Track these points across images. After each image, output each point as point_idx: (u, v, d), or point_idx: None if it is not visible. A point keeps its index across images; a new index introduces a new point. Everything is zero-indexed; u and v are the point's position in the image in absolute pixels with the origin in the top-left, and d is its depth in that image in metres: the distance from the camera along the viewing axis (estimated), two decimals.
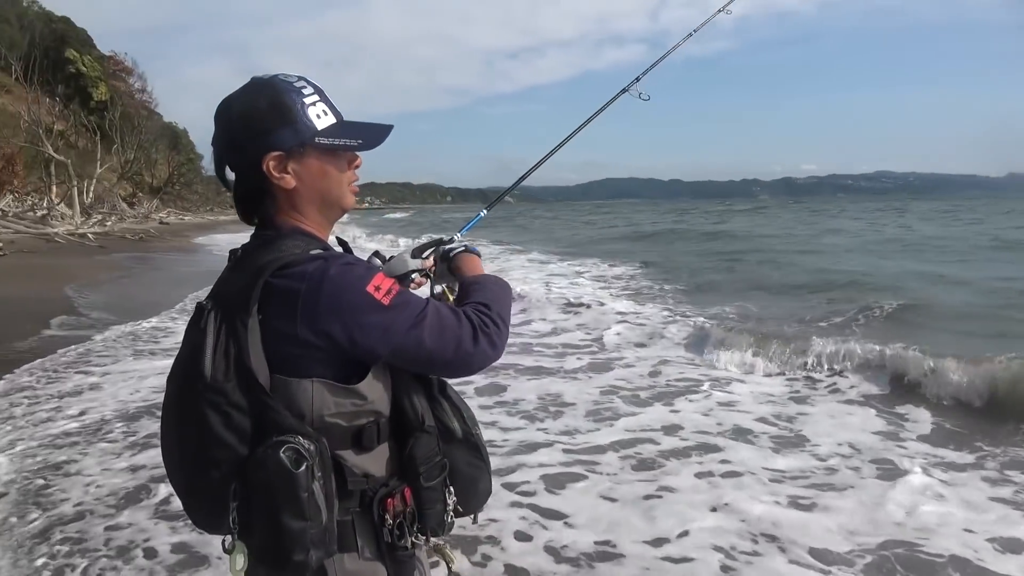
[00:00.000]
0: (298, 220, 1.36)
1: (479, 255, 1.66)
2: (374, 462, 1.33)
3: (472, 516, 1.47)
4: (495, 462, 4.02)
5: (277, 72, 1.37)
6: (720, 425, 5.32)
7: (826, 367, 6.70)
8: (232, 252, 1.39)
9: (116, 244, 26.37)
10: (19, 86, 47.06)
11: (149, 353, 7.87)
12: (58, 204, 32.28)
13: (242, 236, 1.41)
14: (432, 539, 1.38)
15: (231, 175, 1.37)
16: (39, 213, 29.07)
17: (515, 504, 4.02)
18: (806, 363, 6.81)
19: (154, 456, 4.46)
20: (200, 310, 1.29)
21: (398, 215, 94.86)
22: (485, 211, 2.07)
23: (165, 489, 4.06)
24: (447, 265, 1.63)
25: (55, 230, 26.18)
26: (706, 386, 6.42)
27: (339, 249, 1.42)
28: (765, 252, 20.06)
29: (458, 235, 1.77)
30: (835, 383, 6.39)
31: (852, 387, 6.25)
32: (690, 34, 2.87)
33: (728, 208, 79.12)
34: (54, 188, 35.68)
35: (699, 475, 4.39)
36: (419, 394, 1.38)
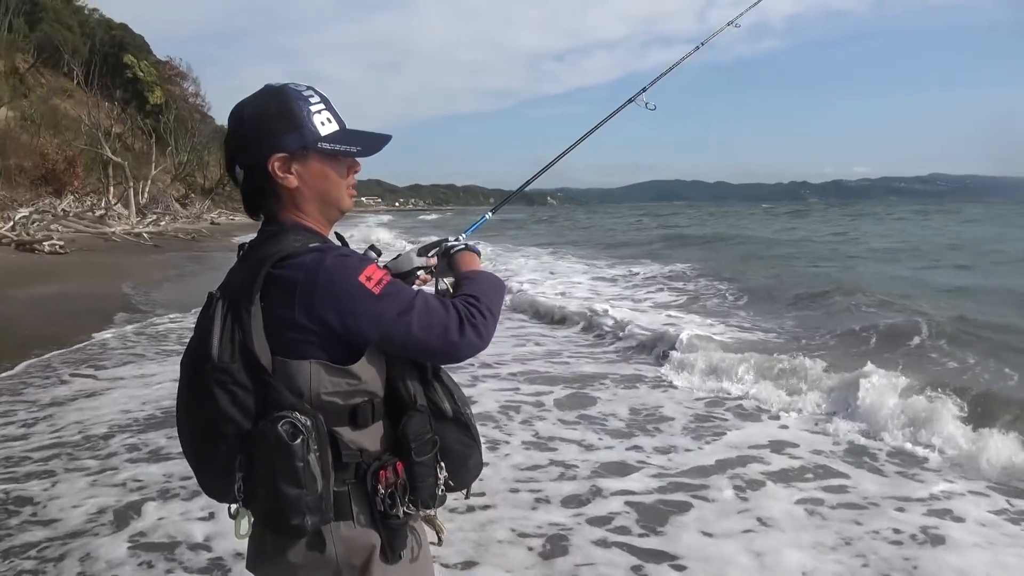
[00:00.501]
0: (300, 217, 1.47)
1: (478, 253, 1.75)
2: (369, 438, 1.43)
3: (465, 491, 1.56)
4: (571, 487, 4.15)
5: (288, 80, 1.49)
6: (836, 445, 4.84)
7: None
8: (240, 246, 1.51)
9: (169, 243, 27.21)
10: (80, 91, 48.89)
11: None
12: (115, 204, 33.42)
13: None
14: (424, 510, 1.47)
15: (240, 173, 1.48)
16: (98, 213, 30.15)
17: (602, 543, 3.49)
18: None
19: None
20: (210, 299, 1.41)
21: (432, 216, 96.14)
22: (490, 215, 2.17)
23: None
24: (447, 262, 1.73)
25: (112, 229, 27.14)
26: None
27: (337, 243, 1.51)
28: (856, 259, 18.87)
29: (463, 236, 1.86)
30: None
31: None
32: (697, 47, 2.90)
33: (796, 210, 75.44)
34: (111, 189, 37.01)
35: (808, 502, 3.92)
36: (413, 377, 1.47)
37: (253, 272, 1.37)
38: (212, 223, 43.65)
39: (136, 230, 28.32)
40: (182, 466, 4.17)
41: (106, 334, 9.06)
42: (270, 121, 1.42)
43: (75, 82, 50.86)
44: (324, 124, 1.44)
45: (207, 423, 1.37)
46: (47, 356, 7.75)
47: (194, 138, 55.03)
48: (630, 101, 2.52)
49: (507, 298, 6.48)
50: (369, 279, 1.37)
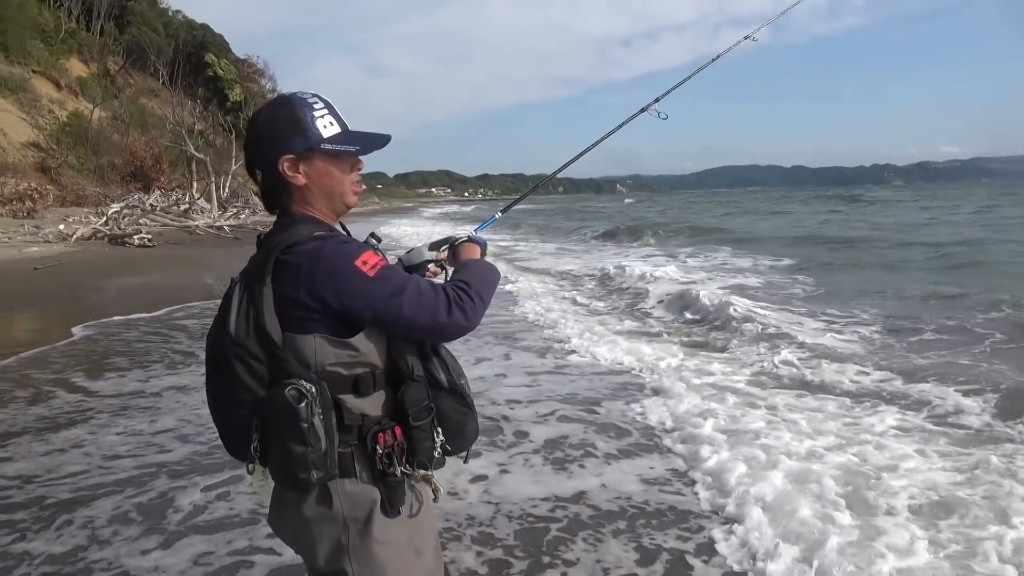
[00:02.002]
0: (308, 210, 1.64)
1: (481, 244, 1.92)
2: (371, 405, 1.60)
3: (464, 456, 1.74)
4: None
5: (296, 90, 1.68)
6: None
7: None
8: (258, 236, 1.69)
9: (249, 236, 28.10)
10: (165, 90, 51.15)
11: None
12: (198, 199, 34.85)
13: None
14: (421, 471, 1.63)
15: (259, 174, 1.66)
16: (182, 207, 31.51)
17: None
18: None
19: None
20: (232, 283, 1.61)
21: (484, 205, 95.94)
22: (500, 214, 2.37)
23: None
24: (452, 252, 1.91)
25: (196, 223, 28.32)
26: None
27: (342, 232, 1.69)
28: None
29: (473, 232, 2.01)
30: None
31: None
32: (713, 59, 3.00)
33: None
34: (195, 184, 38.58)
35: None
36: (412, 350, 1.63)
37: (265, 258, 1.56)
38: None
39: (218, 223, 29.46)
40: None
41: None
42: (279, 127, 1.60)
43: (160, 82, 53.24)
44: (326, 127, 1.61)
45: (228, 391, 1.56)
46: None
47: None
48: (642, 111, 2.67)
49: None
50: (365, 263, 1.53)
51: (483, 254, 1.90)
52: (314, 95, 1.64)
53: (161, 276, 14.39)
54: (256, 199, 47.36)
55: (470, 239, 1.91)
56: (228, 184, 42.95)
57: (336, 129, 1.62)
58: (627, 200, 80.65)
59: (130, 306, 10.56)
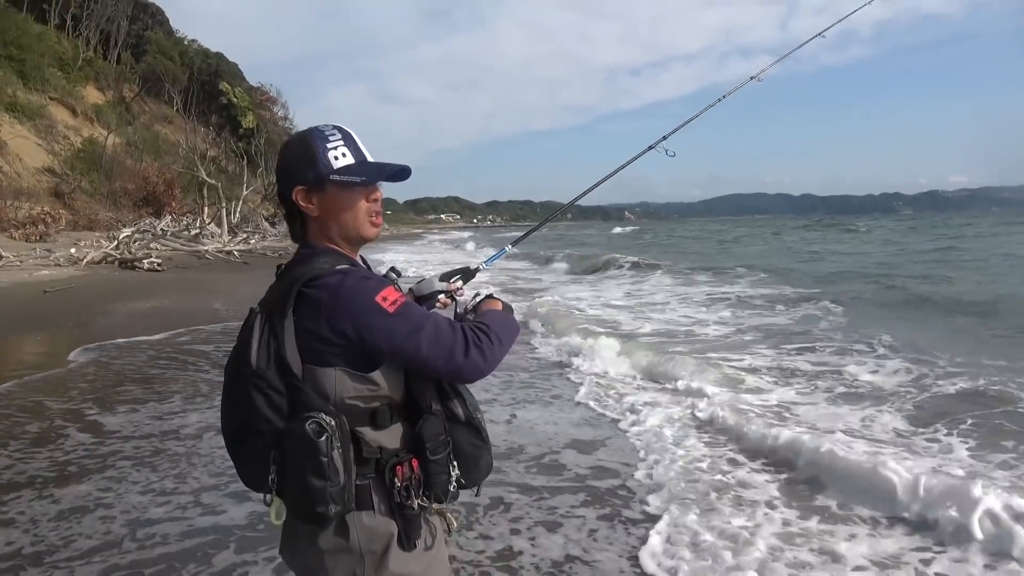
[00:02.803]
0: (327, 241, 1.67)
1: (507, 306, 1.88)
2: (388, 437, 1.60)
3: (475, 489, 1.72)
4: None
5: (320, 123, 1.68)
6: None
7: None
8: (278, 266, 1.70)
9: (258, 261, 28.28)
10: (179, 117, 51.85)
11: None
12: (209, 223, 35.09)
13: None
14: (437, 504, 1.64)
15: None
16: (193, 232, 31.72)
17: None
18: None
19: None
20: (251, 313, 1.60)
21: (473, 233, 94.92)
22: (510, 247, 2.39)
23: None
24: (476, 307, 1.87)
25: (206, 248, 28.48)
26: None
27: (362, 266, 1.71)
28: None
29: (483, 264, 2.04)
30: None
31: None
32: (719, 99, 3.04)
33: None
34: (206, 209, 38.89)
35: None
36: (430, 384, 1.64)
37: (287, 290, 1.56)
38: None
39: (227, 248, 29.61)
40: None
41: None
42: (294, 159, 1.65)
43: (175, 109, 54.02)
44: (338, 158, 1.62)
45: (246, 421, 1.56)
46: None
47: None
48: (650, 148, 2.71)
49: None
50: (385, 299, 1.54)
51: (508, 310, 1.87)
52: (335, 127, 1.66)
53: (169, 300, 14.39)
54: (266, 224, 47.85)
55: (490, 297, 1.90)
56: (239, 209, 43.30)
57: (349, 160, 1.63)
58: (616, 229, 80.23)
59: (137, 330, 10.55)
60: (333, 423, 1.49)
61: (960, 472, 4.37)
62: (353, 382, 1.55)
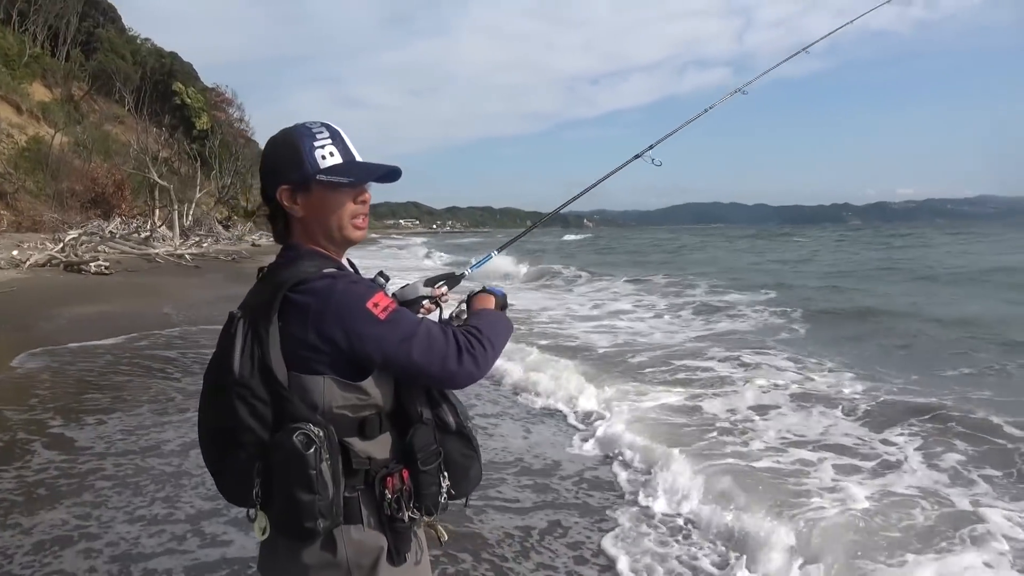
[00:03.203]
0: (311, 243, 1.60)
1: (496, 295, 1.85)
2: (377, 448, 1.54)
3: (464, 499, 1.66)
4: None
5: (308, 119, 1.63)
6: None
7: None
8: (260, 269, 1.64)
9: (210, 264, 27.81)
10: (131, 117, 50.59)
11: None
12: (160, 226, 34.34)
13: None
14: (427, 517, 1.58)
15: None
16: (143, 235, 30.99)
17: None
18: None
19: None
20: (231, 318, 1.53)
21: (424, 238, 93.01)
22: (495, 253, 2.33)
23: None
24: (468, 301, 1.84)
25: (156, 251, 27.86)
26: None
27: (349, 269, 1.64)
28: None
29: (468, 270, 1.99)
30: None
31: None
32: (706, 110, 3.07)
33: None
34: (157, 211, 38.05)
35: None
36: (420, 392, 1.59)
37: (272, 295, 1.49)
38: (253, 245, 44.57)
39: (179, 251, 29.01)
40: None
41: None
42: (279, 158, 1.58)
43: (126, 108, 52.69)
44: (325, 158, 1.55)
45: (228, 432, 1.48)
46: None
47: (238, 162, 56.38)
48: (637, 157, 2.71)
49: None
50: (376, 305, 1.49)
51: (501, 306, 1.84)
52: (323, 124, 1.59)
53: (117, 305, 14.09)
54: (220, 227, 46.98)
55: (484, 289, 1.86)
56: (191, 212, 42.46)
57: (337, 160, 1.56)
58: (567, 236, 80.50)
59: (83, 334, 10.32)
60: (321, 434, 1.42)
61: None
62: (342, 391, 1.48)
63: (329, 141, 1.57)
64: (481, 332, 1.60)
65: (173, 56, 64.42)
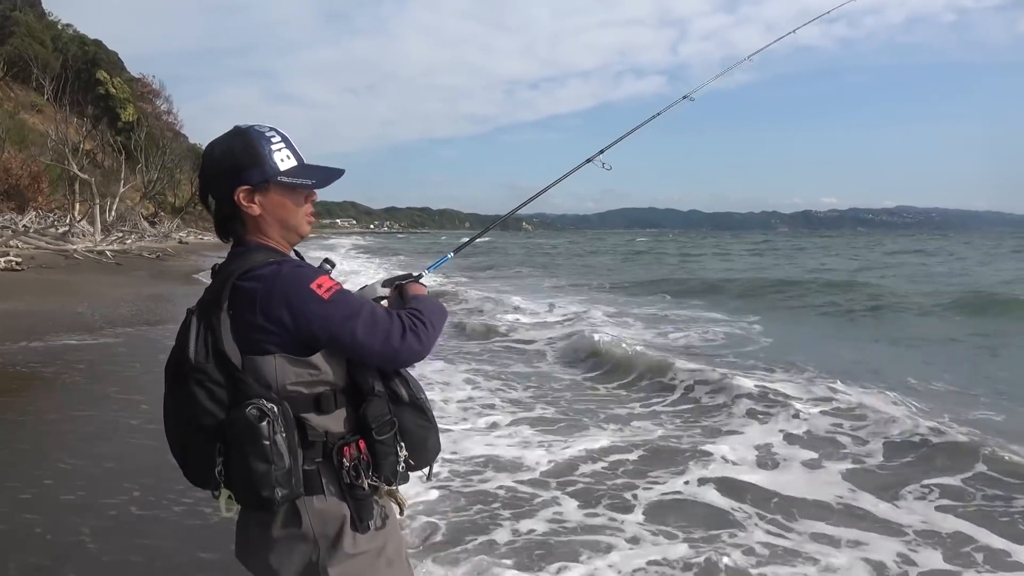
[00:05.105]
0: (263, 239, 1.69)
1: (424, 285, 1.95)
2: (333, 422, 1.62)
3: (427, 472, 1.77)
4: None
5: (254, 123, 1.71)
6: None
7: None
8: (213, 267, 1.71)
9: (134, 262, 26.74)
10: (50, 106, 48.26)
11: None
12: (80, 221, 32.83)
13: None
14: (387, 487, 1.65)
15: (212, 203, 1.70)
16: (60, 230, 29.57)
17: None
18: None
19: None
20: (188, 314, 1.63)
21: (366, 240, 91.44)
22: (452, 254, 2.40)
23: None
24: (399, 291, 1.92)
25: (74, 247, 26.63)
26: None
27: (296, 258, 1.72)
28: None
29: (426, 271, 2.07)
30: None
31: None
32: (654, 116, 3.16)
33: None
34: (77, 206, 36.37)
35: None
36: (371, 368, 1.66)
37: (221, 285, 1.59)
38: (181, 242, 43.18)
39: (99, 248, 27.80)
40: None
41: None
42: (236, 158, 1.64)
43: (45, 97, 50.25)
44: (283, 161, 1.66)
45: (189, 418, 1.56)
46: None
47: (165, 156, 54.41)
48: (588, 161, 2.76)
49: None
50: (320, 286, 1.58)
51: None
52: (271, 128, 1.69)
53: (26, 303, 13.36)
54: (145, 224, 45.25)
55: (413, 279, 1.94)
56: (115, 207, 40.77)
57: (293, 163, 1.67)
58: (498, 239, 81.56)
59: None
60: (275, 409, 1.50)
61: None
62: (293, 367, 1.57)
63: (283, 145, 1.67)
64: (423, 313, 1.69)
65: (97, 44, 61.89)
